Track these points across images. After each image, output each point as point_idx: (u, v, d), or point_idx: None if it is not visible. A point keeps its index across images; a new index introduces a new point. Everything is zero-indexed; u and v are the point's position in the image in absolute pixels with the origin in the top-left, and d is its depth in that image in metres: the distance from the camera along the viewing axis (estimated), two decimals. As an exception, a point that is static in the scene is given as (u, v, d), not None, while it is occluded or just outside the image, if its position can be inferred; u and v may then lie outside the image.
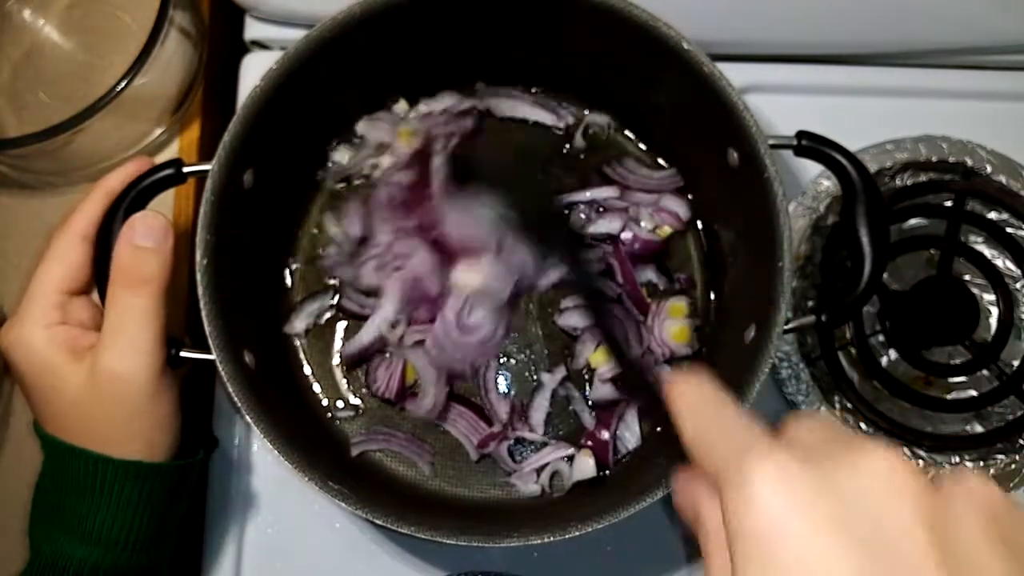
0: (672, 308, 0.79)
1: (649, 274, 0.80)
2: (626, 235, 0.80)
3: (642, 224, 0.80)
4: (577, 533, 0.64)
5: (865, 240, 0.66)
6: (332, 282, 0.80)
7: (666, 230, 0.81)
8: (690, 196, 0.81)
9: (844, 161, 0.68)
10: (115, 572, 0.65)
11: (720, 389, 0.43)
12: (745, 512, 0.36)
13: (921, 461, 0.79)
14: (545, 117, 0.83)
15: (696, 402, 0.43)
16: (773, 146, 0.67)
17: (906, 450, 0.79)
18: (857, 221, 0.67)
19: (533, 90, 0.84)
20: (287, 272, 0.81)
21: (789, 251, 0.66)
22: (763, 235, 0.68)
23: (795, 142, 0.69)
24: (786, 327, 0.66)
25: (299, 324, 0.79)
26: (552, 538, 0.64)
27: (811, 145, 0.68)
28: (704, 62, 0.68)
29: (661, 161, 0.83)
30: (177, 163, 0.68)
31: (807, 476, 0.35)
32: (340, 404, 0.79)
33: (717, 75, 0.68)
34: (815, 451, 0.37)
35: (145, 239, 0.66)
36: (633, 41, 0.70)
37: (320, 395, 0.79)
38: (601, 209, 0.81)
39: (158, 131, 0.82)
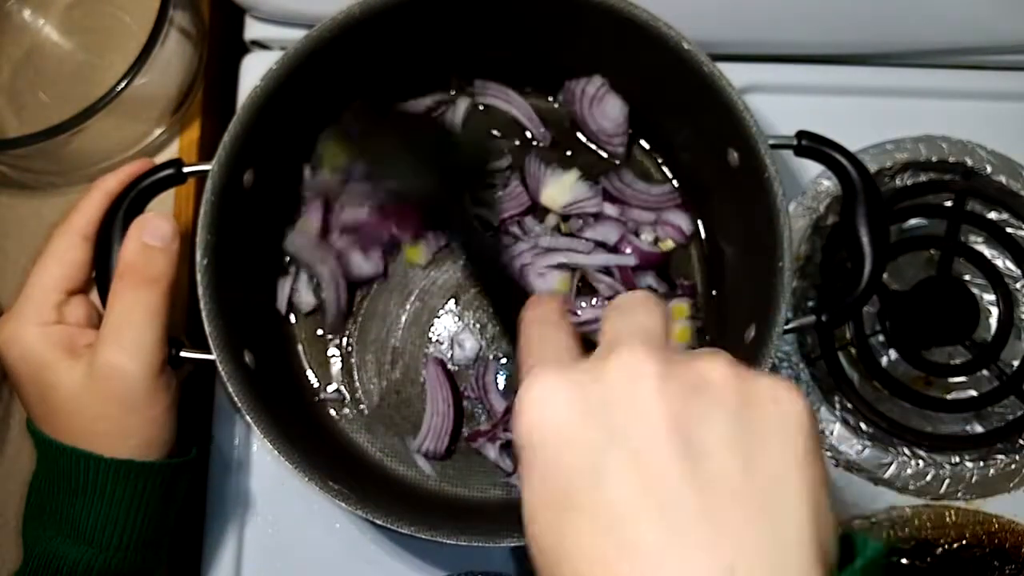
0: (674, 310, 0.79)
1: (648, 280, 0.80)
2: (625, 249, 0.80)
3: (642, 236, 0.81)
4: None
5: (865, 240, 0.66)
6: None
7: (668, 244, 0.81)
8: (691, 199, 0.81)
9: (844, 161, 0.68)
10: (108, 573, 0.65)
11: (559, 314, 0.51)
12: (517, 419, 0.41)
13: (921, 461, 0.79)
14: (531, 126, 0.83)
15: (535, 318, 0.51)
16: (773, 146, 0.67)
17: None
18: (857, 221, 0.67)
19: (527, 89, 0.84)
20: (287, 271, 0.81)
21: (789, 251, 0.66)
22: (763, 235, 0.67)
23: (795, 142, 0.69)
24: (786, 327, 0.66)
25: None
26: None
27: (811, 145, 0.68)
28: (704, 62, 0.68)
29: (666, 170, 0.83)
30: (177, 163, 0.68)
31: (566, 382, 0.41)
32: (340, 403, 0.79)
33: (717, 75, 0.68)
34: (589, 360, 0.43)
35: (154, 238, 0.66)
36: (633, 41, 0.70)
37: (320, 394, 0.80)
38: (594, 217, 0.81)
39: (158, 131, 0.82)
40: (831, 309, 0.68)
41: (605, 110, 0.80)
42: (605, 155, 0.83)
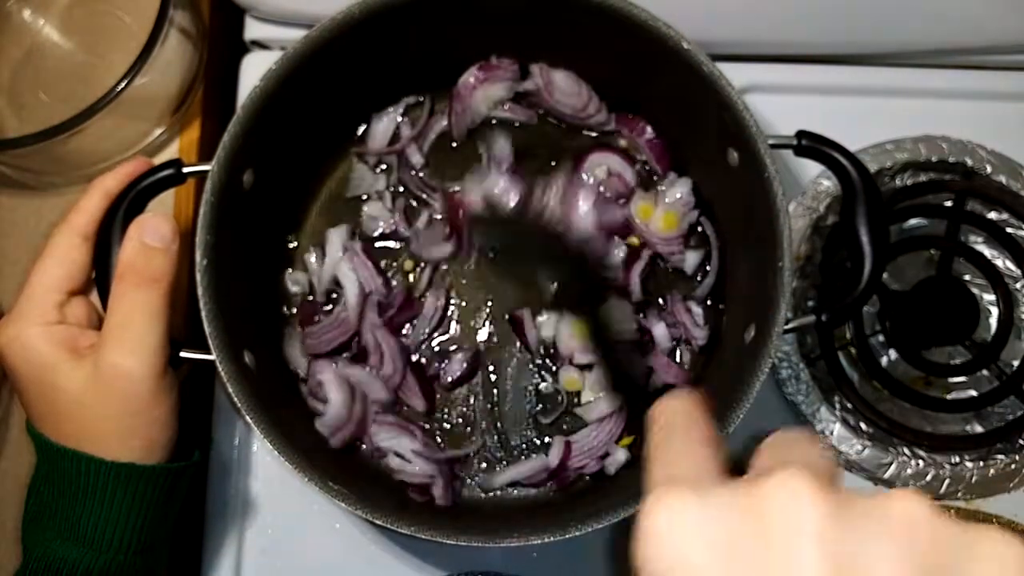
0: None
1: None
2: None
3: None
4: (577, 533, 0.64)
5: (865, 240, 0.66)
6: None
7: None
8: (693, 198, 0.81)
9: (844, 161, 0.68)
10: (108, 575, 0.65)
11: (699, 414, 0.43)
12: (640, 539, 0.36)
13: (921, 461, 0.79)
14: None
15: (667, 420, 0.43)
16: (773, 146, 0.67)
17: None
18: (857, 221, 0.67)
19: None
20: (286, 271, 0.81)
21: (789, 251, 0.66)
22: (763, 235, 0.67)
23: (795, 142, 0.69)
24: (786, 327, 0.66)
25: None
26: (552, 538, 0.64)
27: (811, 145, 0.68)
28: (704, 62, 0.68)
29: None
30: (177, 163, 0.68)
31: (701, 510, 0.35)
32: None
33: (717, 75, 0.68)
34: (729, 486, 0.36)
35: (154, 239, 0.66)
36: (632, 41, 0.70)
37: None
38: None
39: (158, 131, 0.82)
40: (831, 309, 0.68)
41: (562, 88, 0.80)
42: (596, 134, 0.83)
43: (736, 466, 0.41)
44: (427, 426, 0.78)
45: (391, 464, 0.76)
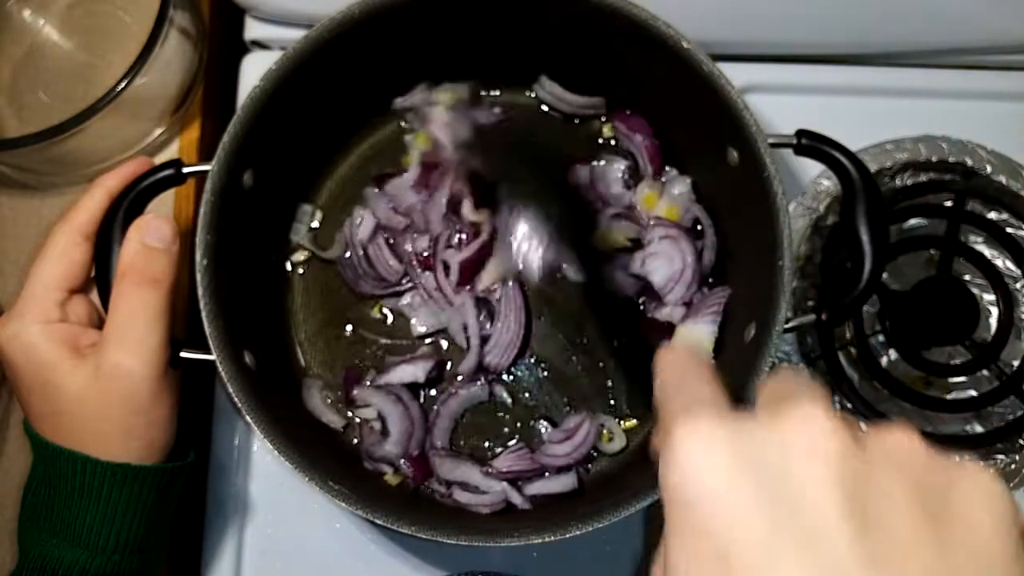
0: None
1: None
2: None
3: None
4: (578, 532, 0.64)
5: (865, 238, 0.66)
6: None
7: None
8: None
9: (844, 159, 0.68)
10: None
11: (701, 358, 0.47)
12: (669, 470, 0.37)
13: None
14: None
15: (672, 360, 0.46)
16: (773, 145, 0.67)
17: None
18: (857, 219, 0.67)
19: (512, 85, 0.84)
20: (287, 272, 0.81)
21: (789, 249, 0.66)
22: (763, 233, 0.68)
23: (795, 141, 0.69)
24: (786, 326, 0.66)
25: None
26: (552, 537, 0.64)
27: (811, 144, 0.69)
28: (703, 61, 0.68)
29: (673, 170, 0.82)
30: (177, 163, 0.68)
31: (729, 438, 0.36)
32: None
33: (716, 74, 0.68)
34: (749, 416, 0.38)
35: (155, 239, 0.66)
36: (632, 40, 0.70)
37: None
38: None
39: (158, 131, 0.82)
40: (831, 307, 0.68)
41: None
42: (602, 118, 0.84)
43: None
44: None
45: (459, 499, 0.75)
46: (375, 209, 0.80)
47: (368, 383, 0.77)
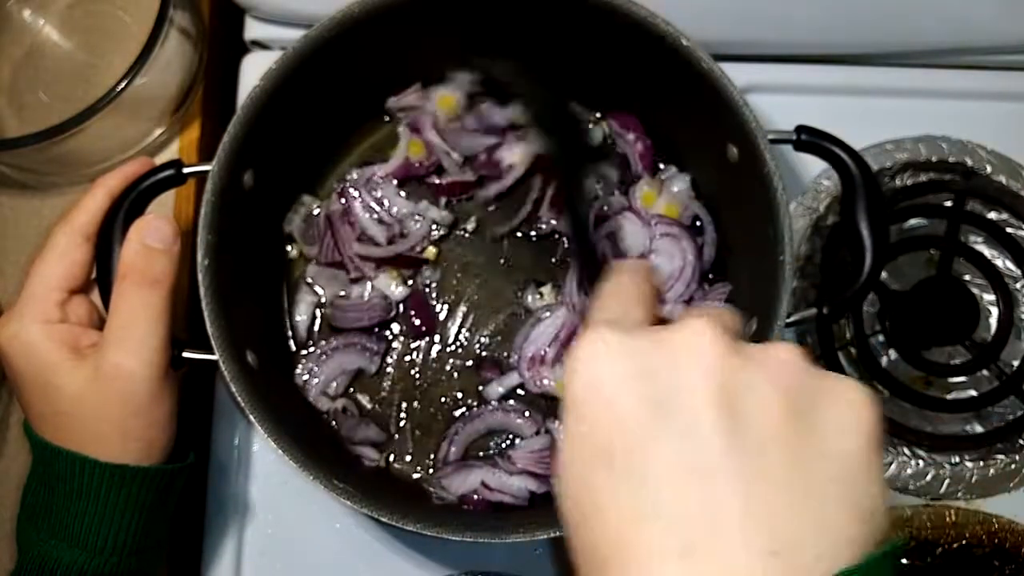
0: None
1: None
2: None
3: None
4: (583, 529, 0.64)
5: (865, 233, 0.66)
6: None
7: None
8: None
9: (843, 155, 0.68)
10: None
11: (646, 279, 0.50)
12: (569, 372, 0.41)
13: (921, 461, 0.79)
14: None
15: (620, 275, 0.50)
16: (773, 141, 0.67)
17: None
18: (857, 215, 0.67)
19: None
20: (287, 269, 0.81)
21: (790, 245, 0.66)
22: (764, 228, 0.68)
23: (794, 137, 0.69)
24: (788, 320, 0.66)
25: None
26: (558, 533, 0.64)
27: (810, 139, 0.69)
28: (702, 58, 0.68)
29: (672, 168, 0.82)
30: (177, 164, 0.68)
31: (625, 349, 0.40)
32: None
33: (716, 72, 0.68)
34: (651, 330, 0.42)
35: (156, 240, 0.66)
36: (631, 38, 0.71)
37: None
38: None
39: (158, 131, 0.82)
40: (832, 302, 0.68)
41: None
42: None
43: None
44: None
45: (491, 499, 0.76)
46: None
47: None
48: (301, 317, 0.80)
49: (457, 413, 0.79)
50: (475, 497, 0.75)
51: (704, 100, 0.70)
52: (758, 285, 0.69)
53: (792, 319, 0.67)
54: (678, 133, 0.80)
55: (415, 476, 0.78)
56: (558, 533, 0.64)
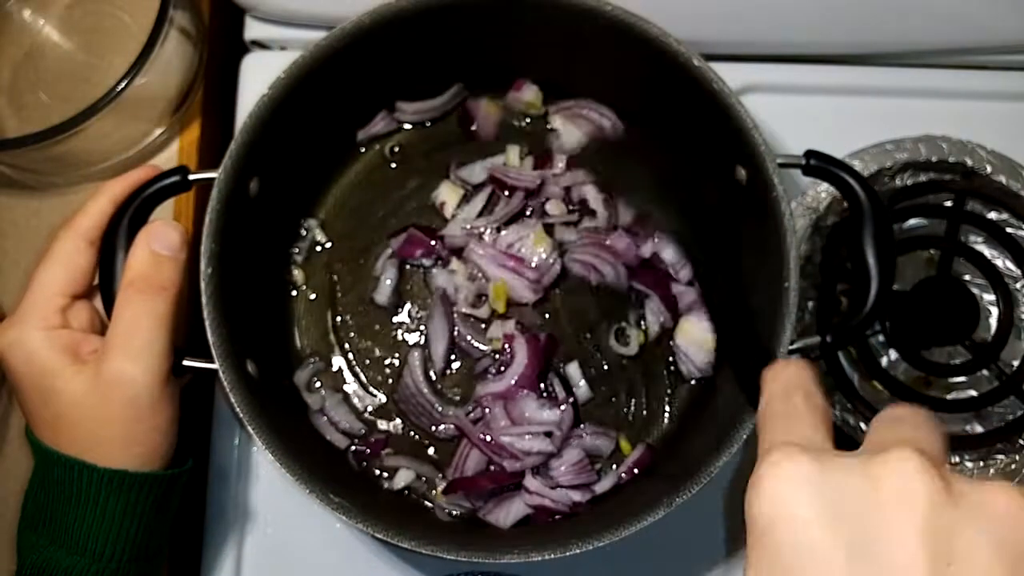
0: None
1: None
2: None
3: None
4: (578, 551, 0.64)
5: (872, 262, 0.66)
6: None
7: None
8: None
9: (852, 182, 0.67)
10: None
11: (815, 383, 0.46)
12: (754, 498, 0.38)
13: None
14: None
15: (785, 384, 0.47)
16: (782, 165, 0.67)
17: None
18: (864, 242, 0.66)
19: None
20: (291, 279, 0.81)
21: (795, 271, 0.65)
22: (769, 254, 0.67)
23: (803, 161, 0.68)
24: (790, 347, 0.66)
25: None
26: (552, 555, 0.64)
27: (820, 164, 0.68)
28: (713, 78, 0.68)
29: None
30: (183, 170, 0.68)
31: (818, 478, 0.37)
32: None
33: (727, 92, 0.68)
34: (844, 456, 0.39)
35: (163, 247, 0.65)
36: (642, 56, 0.70)
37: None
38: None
39: (158, 131, 0.82)
40: (836, 330, 0.68)
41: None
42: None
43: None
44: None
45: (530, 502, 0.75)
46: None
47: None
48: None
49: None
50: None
51: (713, 121, 0.69)
52: (760, 310, 0.69)
53: (795, 346, 0.67)
54: (683, 152, 0.79)
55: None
56: (552, 556, 0.64)
